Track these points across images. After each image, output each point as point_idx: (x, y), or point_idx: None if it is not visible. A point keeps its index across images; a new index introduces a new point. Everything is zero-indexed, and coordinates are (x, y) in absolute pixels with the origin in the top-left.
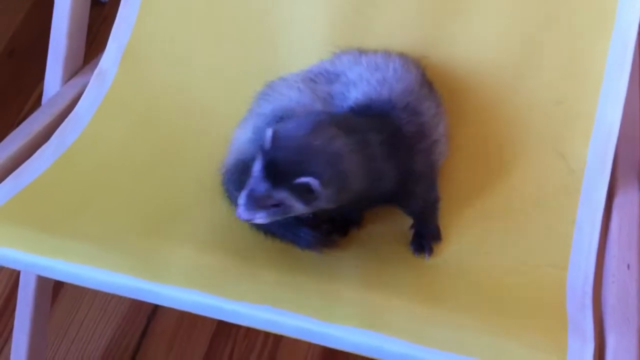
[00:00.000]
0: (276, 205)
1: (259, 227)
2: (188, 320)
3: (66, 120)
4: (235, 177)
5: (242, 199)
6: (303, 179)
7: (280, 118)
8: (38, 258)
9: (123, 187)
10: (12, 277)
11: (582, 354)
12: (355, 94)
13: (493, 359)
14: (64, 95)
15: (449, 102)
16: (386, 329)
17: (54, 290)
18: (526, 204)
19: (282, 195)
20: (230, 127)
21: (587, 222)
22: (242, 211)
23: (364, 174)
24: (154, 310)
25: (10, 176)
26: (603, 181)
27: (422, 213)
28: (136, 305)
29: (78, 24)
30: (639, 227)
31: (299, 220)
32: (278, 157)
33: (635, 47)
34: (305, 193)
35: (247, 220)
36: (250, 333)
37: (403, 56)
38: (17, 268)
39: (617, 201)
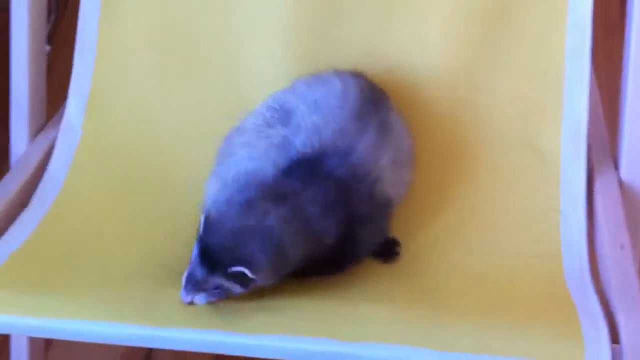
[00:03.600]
0: (216, 288)
1: None
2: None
3: (42, 181)
4: None
5: (183, 282)
6: (237, 268)
7: (238, 183)
8: (39, 321)
9: (109, 238)
10: None
11: (598, 337)
12: (298, 142)
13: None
14: (33, 153)
15: (414, 109)
16: (409, 340)
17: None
18: (508, 201)
19: (219, 281)
20: (200, 173)
21: (572, 209)
22: (182, 294)
23: (302, 240)
24: (149, 354)
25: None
26: (580, 167)
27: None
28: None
29: (37, 79)
30: (623, 207)
31: None
32: (211, 243)
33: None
34: (241, 278)
35: (189, 303)
36: None
37: (347, 76)
38: (18, 333)
39: (598, 185)
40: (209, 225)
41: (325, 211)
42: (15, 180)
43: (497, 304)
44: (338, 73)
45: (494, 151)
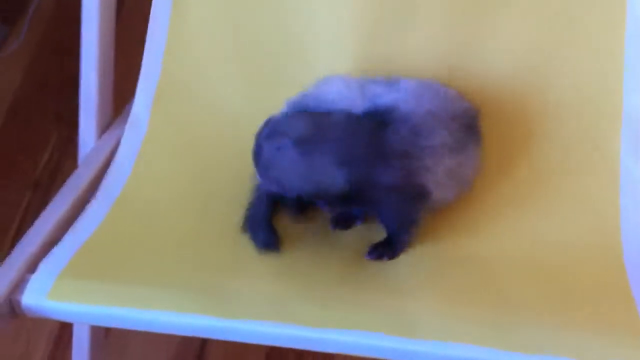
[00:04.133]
0: None
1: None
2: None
3: (108, 173)
4: None
5: None
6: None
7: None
8: (111, 309)
9: (175, 229)
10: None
11: None
12: (390, 98)
13: (577, 354)
14: (101, 149)
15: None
16: (464, 338)
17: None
18: (567, 193)
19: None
20: None
21: (631, 202)
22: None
23: (300, 174)
24: (202, 344)
25: (67, 234)
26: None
27: (395, 223)
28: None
29: (106, 76)
30: None
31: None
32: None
33: None
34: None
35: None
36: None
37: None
38: (87, 322)
39: None
40: (265, 127)
41: (344, 161)
42: (83, 175)
43: (557, 298)
44: (442, 84)
45: (560, 148)
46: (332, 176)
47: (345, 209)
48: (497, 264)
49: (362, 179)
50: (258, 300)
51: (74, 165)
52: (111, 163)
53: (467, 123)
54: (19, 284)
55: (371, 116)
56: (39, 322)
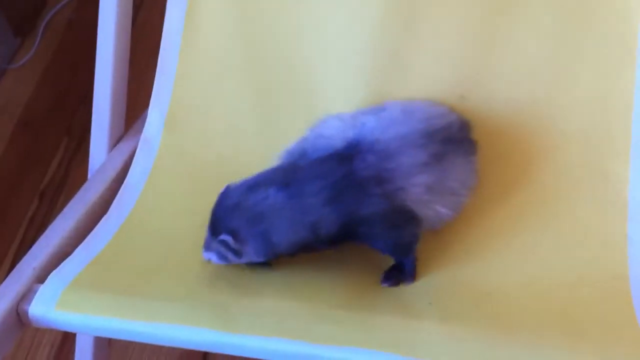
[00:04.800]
0: (217, 251)
1: None
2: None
3: (121, 191)
4: None
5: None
6: (222, 236)
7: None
8: (118, 321)
9: (184, 246)
10: None
11: None
12: (351, 135)
13: None
14: (112, 163)
15: (485, 135)
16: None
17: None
18: (577, 223)
19: (216, 245)
20: None
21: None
22: (203, 252)
23: (295, 227)
24: (205, 355)
25: (78, 249)
26: None
27: (393, 251)
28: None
29: (119, 90)
30: None
31: None
32: (216, 211)
33: None
34: (228, 247)
35: (207, 261)
36: None
37: (440, 108)
38: (97, 334)
39: None
40: (221, 197)
41: (331, 201)
42: (93, 188)
43: (563, 326)
44: (432, 104)
45: (568, 176)
46: (323, 215)
47: (335, 247)
48: (500, 290)
49: (350, 213)
50: (264, 315)
51: (80, 177)
52: (122, 179)
53: (447, 136)
54: (27, 294)
55: (342, 151)
56: (41, 332)
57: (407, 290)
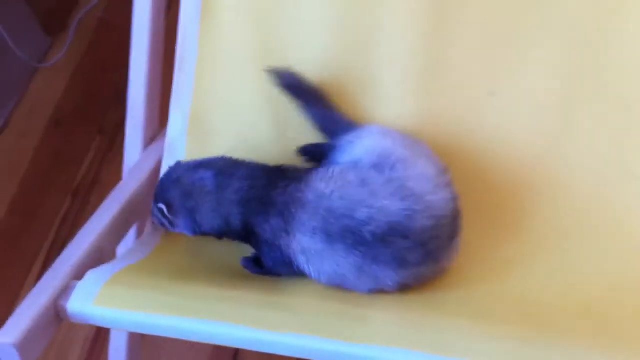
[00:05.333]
0: (158, 218)
1: None
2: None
3: None
4: None
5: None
6: (159, 205)
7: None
8: (156, 317)
9: (218, 247)
10: None
11: None
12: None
13: None
14: (146, 162)
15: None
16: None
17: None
18: (609, 227)
19: (155, 211)
20: None
21: None
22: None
23: (213, 213)
24: (235, 355)
25: (121, 255)
26: None
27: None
28: (218, 350)
29: (153, 89)
30: None
31: None
32: (161, 182)
33: None
34: (164, 215)
35: (152, 222)
36: None
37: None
38: (134, 330)
39: None
40: (169, 170)
41: (240, 204)
42: (128, 187)
43: (597, 329)
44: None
45: (599, 179)
46: (232, 213)
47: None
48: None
49: (249, 223)
50: (297, 313)
51: (112, 176)
52: (156, 177)
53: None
54: (65, 291)
55: (280, 166)
56: (74, 328)
57: (439, 297)
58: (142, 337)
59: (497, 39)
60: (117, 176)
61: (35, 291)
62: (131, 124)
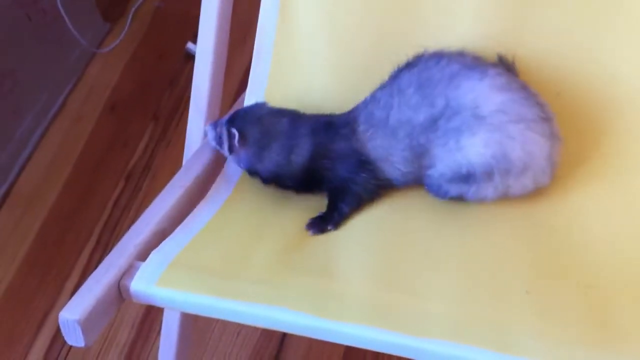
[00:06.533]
0: (220, 137)
1: None
2: (316, 347)
3: (218, 179)
4: None
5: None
6: (233, 128)
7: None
8: (217, 300)
9: (277, 228)
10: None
11: None
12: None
13: None
14: (207, 147)
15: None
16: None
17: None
18: None
19: (222, 130)
20: None
21: None
22: (209, 124)
23: (278, 149)
24: (280, 346)
25: (177, 230)
26: None
27: (335, 190)
28: (267, 333)
29: (217, 76)
30: None
31: None
32: (244, 110)
33: None
34: (231, 139)
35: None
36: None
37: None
38: (194, 312)
39: None
40: (255, 105)
41: (306, 134)
42: (190, 171)
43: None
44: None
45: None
46: (300, 141)
47: (304, 190)
48: (603, 282)
49: (320, 144)
50: (352, 302)
51: (166, 161)
52: (218, 161)
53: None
54: (129, 270)
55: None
56: (124, 307)
57: (504, 276)
58: (194, 321)
59: None
60: (169, 162)
61: (100, 270)
62: (194, 109)
